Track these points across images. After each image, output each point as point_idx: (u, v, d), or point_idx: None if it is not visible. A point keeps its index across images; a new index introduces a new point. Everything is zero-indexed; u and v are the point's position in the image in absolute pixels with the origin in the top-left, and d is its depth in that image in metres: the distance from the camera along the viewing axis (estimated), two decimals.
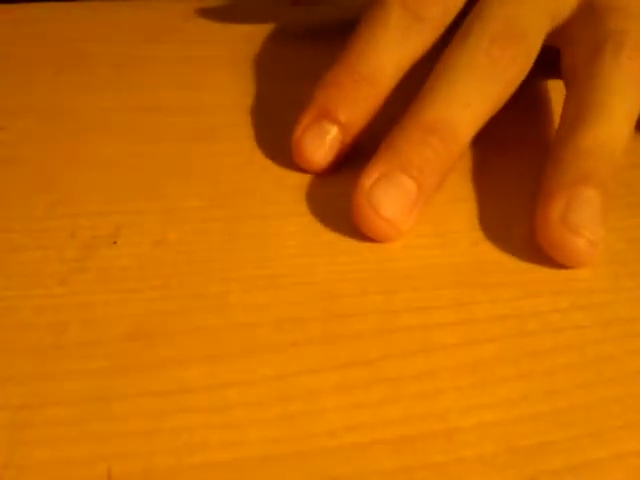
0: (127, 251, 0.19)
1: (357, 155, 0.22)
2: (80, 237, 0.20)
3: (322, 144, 0.22)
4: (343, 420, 0.16)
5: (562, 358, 0.17)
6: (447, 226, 0.21)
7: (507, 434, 0.15)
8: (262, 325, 0.18)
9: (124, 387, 0.16)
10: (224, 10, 0.32)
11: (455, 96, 0.20)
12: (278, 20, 0.32)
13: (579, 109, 0.21)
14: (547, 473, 0.15)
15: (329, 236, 0.20)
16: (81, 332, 0.17)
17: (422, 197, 0.20)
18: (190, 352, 0.17)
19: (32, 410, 0.15)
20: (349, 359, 0.17)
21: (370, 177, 0.20)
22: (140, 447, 0.15)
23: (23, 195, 0.21)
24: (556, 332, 0.18)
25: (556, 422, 0.16)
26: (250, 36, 0.30)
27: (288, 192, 0.22)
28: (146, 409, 0.16)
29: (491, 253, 0.20)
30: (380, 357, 0.17)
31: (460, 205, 0.22)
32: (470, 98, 0.20)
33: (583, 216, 0.19)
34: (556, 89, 0.27)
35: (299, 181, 0.22)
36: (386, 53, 0.22)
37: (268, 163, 0.23)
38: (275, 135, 0.24)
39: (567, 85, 0.23)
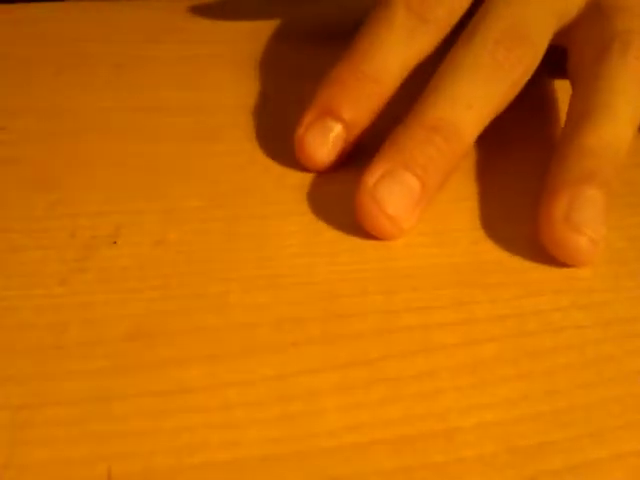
0: (127, 251, 0.19)
1: (358, 154, 0.22)
2: (80, 237, 0.20)
3: (325, 142, 0.22)
4: (343, 420, 0.16)
5: (562, 358, 0.17)
6: (447, 225, 0.21)
7: (507, 434, 0.15)
8: (262, 325, 0.18)
9: (124, 387, 0.16)
10: (224, 9, 0.32)
11: (459, 96, 0.20)
12: (279, 19, 0.32)
13: (585, 109, 0.21)
14: (547, 473, 0.15)
15: (329, 236, 0.20)
16: (81, 332, 0.17)
17: (425, 196, 0.20)
18: (190, 352, 0.17)
19: (32, 410, 0.15)
20: (349, 359, 0.17)
21: (374, 175, 0.19)
22: (140, 447, 0.15)
23: (23, 195, 0.21)
24: (556, 332, 0.18)
25: (556, 422, 0.16)
26: (251, 35, 0.30)
27: (288, 192, 0.22)
28: (146, 409, 0.16)
29: (491, 253, 0.20)
30: (380, 357, 0.17)
31: (460, 204, 0.22)
32: (474, 98, 0.20)
33: (586, 215, 0.19)
34: (561, 89, 0.27)
35: (299, 181, 0.22)
36: (391, 53, 0.22)
37: (268, 163, 0.23)
38: (275, 135, 0.24)
39: (573, 84, 0.23)
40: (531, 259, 0.20)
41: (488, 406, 0.16)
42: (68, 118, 0.25)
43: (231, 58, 0.29)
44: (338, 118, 0.22)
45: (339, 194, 0.21)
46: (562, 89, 0.25)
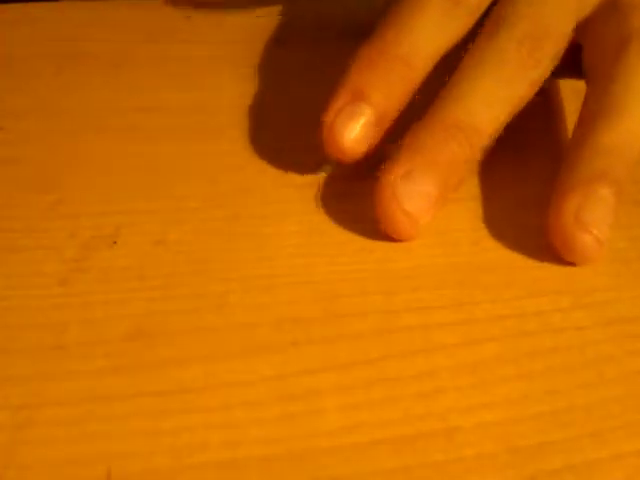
0: (127, 251, 0.19)
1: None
2: (80, 237, 0.20)
3: (356, 128, 0.20)
4: (343, 420, 0.16)
5: (562, 358, 0.17)
6: (448, 225, 0.21)
7: (507, 434, 0.15)
8: (262, 325, 0.18)
9: (124, 387, 0.16)
10: (224, 10, 0.32)
11: (482, 94, 0.20)
12: (279, 19, 0.32)
13: (599, 107, 0.21)
14: (547, 473, 0.15)
15: (329, 236, 0.20)
16: (81, 332, 0.17)
17: (443, 195, 0.20)
18: (190, 352, 0.17)
19: (32, 410, 0.15)
20: (349, 359, 0.17)
21: (394, 174, 0.19)
22: (140, 447, 0.15)
23: (23, 195, 0.21)
24: (556, 332, 0.18)
25: (556, 422, 0.16)
26: (251, 36, 0.30)
27: (288, 192, 0.22)
28: (146, 409, 0.16)
29: (491, 253, 0.20)
30: (380, 357, 0.17)
31: (461, 204, 0.22)
32: (495, 98, 0.20)
33: (596, 215, 0.19)
34: (567, 88, 0.27)
35: (299, 181, 0.22)
36: (422, 36, 0.21)
37: (268, 163, 0.23)
38: (275, 135, 0.24)
39: (588, 82, 0.22)
40: (531, 259, 0.20)
41: (488, 406, 0.16)
42: (68, 118, 0.25)
43: (231, 58, 0.29)
44: (369, 103, 0.20)
45: (339, 194, 0.21)
46: (567, 89, 0.25)
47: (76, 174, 0.22)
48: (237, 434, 0.15)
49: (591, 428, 0.16)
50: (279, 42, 0.30)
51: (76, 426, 0.15)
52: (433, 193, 0.20)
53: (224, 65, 0.28)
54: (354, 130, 0.20)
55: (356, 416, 0.16)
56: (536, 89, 0.21)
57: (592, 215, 0.19)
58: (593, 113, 0.21)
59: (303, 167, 0.22)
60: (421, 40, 0.21)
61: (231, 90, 0.27)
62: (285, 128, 0.23)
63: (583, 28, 0.23)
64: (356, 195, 0.21)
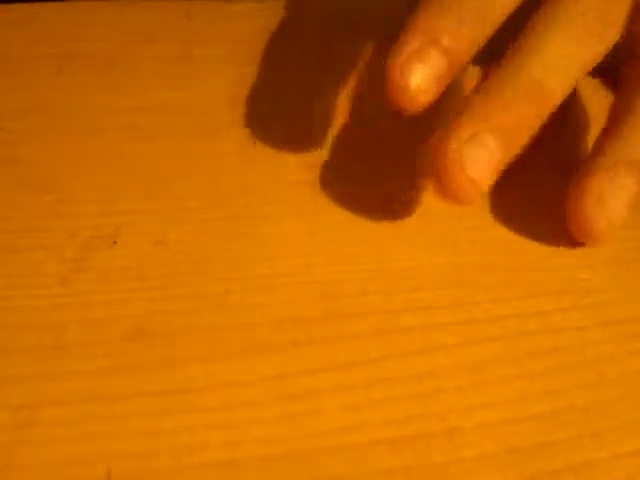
0: (127, 251, 0.19)
1: (358, 155, 0.22)
2: (80, 237, 0.20)
3: (427, 72, 0.19)
4: (343, 420, 0.16)
5: (562, 358, 0.17)
6: (447, 225, 0.21)
7: (507, 434, 0.15)
8: (262, 325, 0.18)
9: (124, 387, 0.16)
10: (224, 10, 0.32)
11: (548, 58, 0.20)
12: (279, 19, 0.32)
13: (631, 109, 0.20)
14: (547, 473, 0.15)
15: (329, 236, 0.20)
16: (81, 332, 0.17)
17: (506, 159, 0.19)
18: (190, 352, 0.17)
19: (32, 410, 0.15)
20: (349, 359, 0.17)
21: (458, 138, 0.19)
22: (140, 447, 0.15)
23: (23, 195, 0.21)
24: (556, 332, 0.18)
25: (556, 422, 0.16)
26: (250, 36, 0.30)
27: (288, 191, 0.22)
28: (146, 409, 0.16)
29: (491, 253, 0.20)
30: (380, 357, 0.17)
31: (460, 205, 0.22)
32: (566, 55, 0.20)
33: (618, 200, 0.19)
34: None
35: (299, 180, 0.22)
36: None
37: (268, 163, 0.23)
38: (275, 135, 0.24)
39: (621, 80, 0.22)
40: (531, 259, 0.20)
41: (488, 406, 0.16)
42: (68, 118, 0.25)
43: (231, 57, 0.29)
44: (440, 46, 0.19)
45: (339, 194, 0.21)
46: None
47: (76, 174, 0.22)
48: (237, 434, 0.15)
49: (591, 428, 0.16)
50: (280, 41, 0.30)
51: (76, 426, 0.15)
52: (497, 157, 0.19)
53: (224, 64, 0.28)
54: (425, 75, 0.19)
55: (356, 416, 0.16)
56: (593, 65, 0.21)
57: (614, 200, 0.19)
58: (623, 111, 0.20)
59: (303, 167, 0.22)
60: None
61: (231, 90, 0.27)
62: (285, 128, 0.23)
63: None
64: (356, 195, 0.21)
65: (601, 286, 0.19)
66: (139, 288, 0.18)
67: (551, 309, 0.18)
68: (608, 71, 0.23)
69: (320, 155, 0.23)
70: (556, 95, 0.20)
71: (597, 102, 0.25)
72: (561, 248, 0.20)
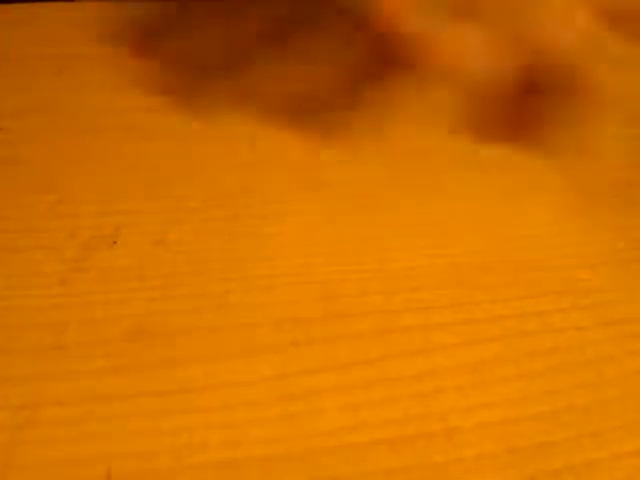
0: (127, 251, 0.19)
1: (356, 155, 0.22)
2: (80, 237, 0.20)
3: None
4: (343, 420, 0.16)
5: (562, 358, 0.17)
6: (447, 226, 0.21)
7: (507, 434, 0.15)
8: (262, 325, 0.18)
9: (124, 387, 0.16)
10: (224, 10, 0.32)
11: None
12: (279, 19, 0.32)
13: None
14: (547, 473, 0.15)
15: (329, 236, 0.20)
16: (81, 332, 0.17)
17: None
18: (190, 352, 0.17)
19: (32, 410, 0.15)
20: (349, 359, 0.17)
21: None
22: (140, 447, 0.15)
23: (23, 195, 0.21)
24: (556, 332, 0.18)
25: (556, 422, 0.16)
26: (250, 36, 0.30)
27: (288, 192, 0.22)
28: (146, 409, 0.16)
29: (491, 253, 0.20)
30: (380, 357, 0.17)
31: (460, 204, 0.22)
32: None
33: None
34: None
35: (299, 180, 0.22)
36: None
37: (268, 163, 0.23)
38: (275, 135, 0.24)
39: None
40: (531, 260, 0.20)
41: (488, 406, 0.16)
42: (68, 118, 0.25)
43: (230, 58, 0.29)
44: None
45: (339, 194, 0.21)
46: None
47: (76, 174, 0.22)
48: (237, 434, 0.15)
49: (591, 428, 0.16)
50: (280, 41, 0.30)
51: (76, 426, 0.15)
52: None
53: (224, 65, 0.28)
54: None
55: (356, 416, 0.16)
56: None
57: None
58: None
59: (303, 167, 0.22)
60: None
61: (230, 90, 0.27)
62: (285, 127, 0.23)
63: None
64: (356, 195, 0.21)
65: (601, 286, 0.19)
66: (139, 288, 0.18)
67: (551, 309, 0.18)
68: None
69: (320, 155, 0.23)
70: None
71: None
72: (561, 248, 0.20)
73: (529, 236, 0.20)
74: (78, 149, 0.23)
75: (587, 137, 0.22)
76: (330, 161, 0.22)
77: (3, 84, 0.26)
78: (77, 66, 0.28)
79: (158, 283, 0.18)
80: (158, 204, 0.21)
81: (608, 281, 0.19)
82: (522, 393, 0.16)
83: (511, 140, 0.21)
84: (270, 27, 0.30)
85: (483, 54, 0.19)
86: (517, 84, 0.20)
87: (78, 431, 0.15)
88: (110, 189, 0.21)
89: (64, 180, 0.22)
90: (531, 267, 0.20)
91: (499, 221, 0.21)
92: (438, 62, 0.18)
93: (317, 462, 0.15)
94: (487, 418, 0.16)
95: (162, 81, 0.27)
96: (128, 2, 0.32)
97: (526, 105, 0.22)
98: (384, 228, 0.20)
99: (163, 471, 0.14)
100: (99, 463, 0.14)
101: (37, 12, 0.31)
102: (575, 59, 0.23)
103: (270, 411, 0.16)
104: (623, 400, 0.16)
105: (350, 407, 0.16)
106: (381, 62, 0.20)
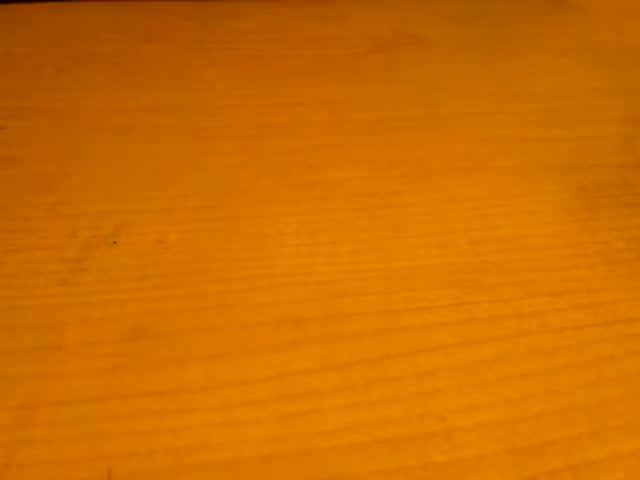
0: (127, 251, 0.19)
1: (355, 156, 0.22)
2: (80, 237, 0.20)
3: None
4: (343, 420, 0.16)
5: (562, 358, 0.17)
6: (447, 225, 0.21)
7: (507, 434, 0.15)
8: (262, 325, 0.18)
9: (124, 387, 0.16)
10: (224, 10, 0.32)
11: None
12: (278, 19, 0.32)
13: None
14: (547, 473, 0.15)
15: (329, 236, 0.20)
16: (81, 332, 0.17)
17: None
18: (190, 352, 0.17)
19: (32, 410, 0.15)
20: (349, 359, 0.17)
21: None
22: (140, 447, 0.15)
23: (23, 195, 0.21)
24: (556, 332, 0.18)
25: (556, 422, 0.16)
26: (250, 36, 0.30)
27: (288, 191, 0.22)
28: (146, 409, 0.16)
29: (491, 253, 0.20)
30: (380, 357, 0.17)
31: (460, 204, 0.22)
32: None
33: None
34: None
35: (299, 181, 0.22)
36: None
37: (268, 163, 0.23)
38: (275, 135, 0.24)
39: None
40: (531, 260, 0.20)
41: (488, 406, 0.16)
42: (68, 118, 0.25)
43: (230, 58, 0.29)
44: None
45: (339, 194, 0.21)
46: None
47: (76, 174, 0.22)
48: (237, 434, 0.15)
49: (591, 428, 0.16)
50: (279, 41, 0.30)
51: (76, 426, 0.15)
52: None
53: (224, 65, 0.28)
54: None
55: (356, 416, 0.16)
56: None
57: None
58: None
59: (303, 167, 0.22)
60: None
61: (230, 90, 0.27)
62: (285, 127, 0.23)
63: None
64: (356, 195, 0.21)
65: (599, 286, 0.19)
66: (139, 288, 0.18)
67: (551, 309, 0.18)
68: None
69: (320, 155, 0.23)
70: None
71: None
72: (561, 248, 0.20)
73: (528, 236, 0.20)
74: (78, 149, 0.23)
75: None
76: (330, 161, 0.22)
77: (3, 84, 0.26)
78: (77, 66, 0.28)
79: (158, 283, 0.18)
80: (158, 204, 0.21)
81: (608, 281, 0.19)
82: (522, 393, 0.16)
83: None
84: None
85: None
86: None
87: (78, 431, 0.15)
88: (110, 189, 0.21)
89: (64, 180, 0.22)
90: (530, 267, 0.20)
91: (499, 221, 0.21)
92: None
93: (317, 462, 0.15)
94: (487, 418, 0.16)
95: (161, 80, 0.27)
96: (128, 2, 0.32)
97: None
98: (384, 228, 0.20)
99: (163, 471, 0.14)
100: (99, 463, 0.14)
101: (37, 12, 0.31)
102: None
103: (270, 411, 0.16)
104: (623, 400, 0.16)
105: (350, 407, 0.16)
106: None
